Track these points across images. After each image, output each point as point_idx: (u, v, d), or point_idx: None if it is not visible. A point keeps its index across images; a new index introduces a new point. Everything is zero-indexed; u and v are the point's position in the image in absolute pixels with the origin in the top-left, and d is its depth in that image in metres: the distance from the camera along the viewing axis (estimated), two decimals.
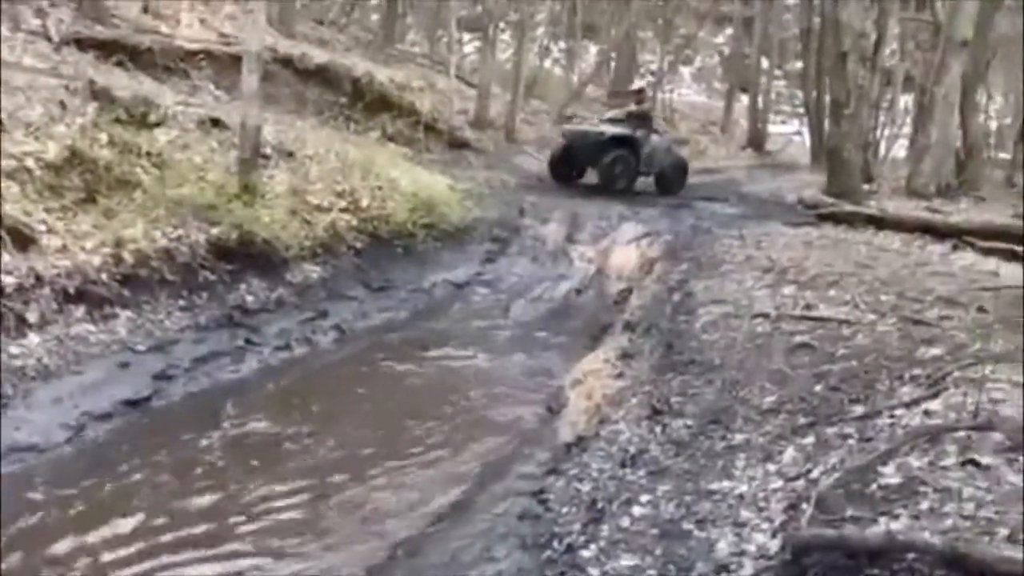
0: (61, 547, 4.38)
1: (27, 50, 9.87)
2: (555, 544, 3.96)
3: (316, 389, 6.84)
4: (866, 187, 15.69)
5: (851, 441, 4.32)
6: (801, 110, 27.58)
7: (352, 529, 4.69)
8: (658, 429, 5.11)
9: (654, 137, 14.84)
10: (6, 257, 6.33)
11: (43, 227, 6.82)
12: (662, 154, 14.99)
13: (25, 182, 7.14)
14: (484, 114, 17.43)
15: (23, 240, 6.54)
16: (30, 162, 7.31)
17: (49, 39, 10.52)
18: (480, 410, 6.58)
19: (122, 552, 4.37)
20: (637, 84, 17.81)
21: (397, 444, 5.86)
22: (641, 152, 14.52)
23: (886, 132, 23.72)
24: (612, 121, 14.77)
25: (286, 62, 13.84)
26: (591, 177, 14.94)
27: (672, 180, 15.25)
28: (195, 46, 12.65)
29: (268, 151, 9.66)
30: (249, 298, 7.77)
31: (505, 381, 7.26)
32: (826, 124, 17.94)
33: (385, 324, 8.58)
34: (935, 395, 4.71)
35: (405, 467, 5.50)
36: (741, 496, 4.03)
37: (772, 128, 28.31)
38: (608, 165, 14.14)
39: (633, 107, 15.00)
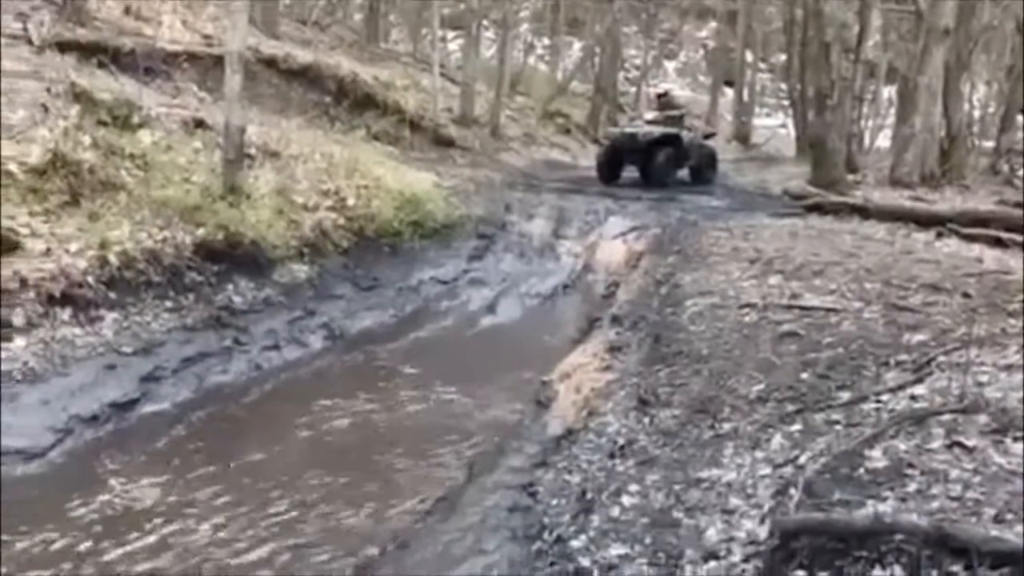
0: None
1: (8, 54, 9.80)
2: (545, 535, 3.96)
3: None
4: (851, 177, 15.75)
5: (838, 427, 4.34)
6: (786, 103, 27.67)
7: None
8: (646, 420, 5.11)
9: (687, 133, 15.88)
10: None
11: (27, 230, 6.81)
12: (697, 148, 16.14)
13: (8, 186, 7.12)
14: (469, 111, 17.43)
15: (7, 244, 6.51)
16: (12, 166, 7.30)
17: (30, 42, 10.46)
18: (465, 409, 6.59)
19: None
20: (662, 87, 19.09)
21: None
22: (683, 148, 15.58)
23: (870, 123, 23.82)
24: (652, 123, 15.81)
25: (270, 62, 13.82)
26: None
27: (706, 170, 16.45)
28: (177, 48, 12.60)
29: (253, 151, 9.63)
30: (236, 299, 7.75)
31: (490, 378, 7.27)
32: (810, 116, 18.00)
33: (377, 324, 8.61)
34: (921, 380, 4.75)
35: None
36: (729, 484, 4.05)
37: (757, 121, 28.39)
38: (661, 162, 15.22)
39: (673, 111, 16.05)
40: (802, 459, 4.01)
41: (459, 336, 8.91)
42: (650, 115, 16.44)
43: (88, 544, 4.49)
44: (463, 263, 10.61)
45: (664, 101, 16.57)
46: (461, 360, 8.50)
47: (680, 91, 32.71)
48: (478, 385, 7.51)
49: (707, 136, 17.68)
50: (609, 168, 15.65)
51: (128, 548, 4.47)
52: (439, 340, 8.75)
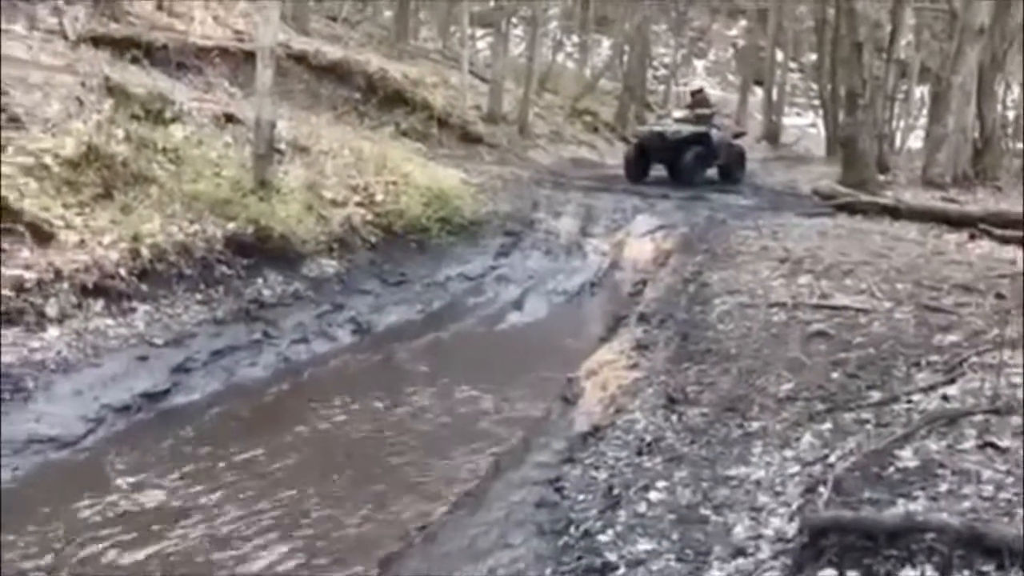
0: None
1: (44, 48, 9.96)
2: (572, 530, 3.96)
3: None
4: (881, 177, 15.61)
5: (868, 426, 4.30)
6: (816, 102, 27.44)
7: None
8: (674, 418, 5.09)
9: (716, 132, 15.57)
10: (25, 252, 6.40)
11: (61, 223, 6.90)
12: (726, 147, 15.89)
13: (43, 178, 7.21)
14: (497, 109, 17.44)
15: (42, 236, 6.61)
16: (48, 159, 7.39)
17: (66, 37, 10.60)
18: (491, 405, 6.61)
19: None
20: (696, 84, 19.01)
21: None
22: (712, 147, 15.33)
23: (901, 123, 23.57)
24: (682, 121, 15.58)
25: (300, 58, 13.91)
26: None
27: (735, 170, 16.27)
28: (209, 43, 12.72)
29: (283, 147, 9.70)
30: (266, 292, 7.81)
31: (516, 374, 7.29)
32: (841, 116, 17.84)
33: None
34: (952, 380, 4.69)
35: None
36: (758, 481, 4.02)
37: (787, 120, 28.18)
38: (690, 161, 14.96)
39: (704, 110, 15.75)
40: (832, 458, 3.98)
41: (486, 332, 8.93)
42: (679, 113, 16.29)
43: (116, 529, 4.55)
44: (490, 260, 10.63)
45: (698, 99, 16.35)
46: (487, 356, 8.52)
47: (711, 90, 32.68)
48: (504, 381, 7.53)
49: (736, 135, 17.51)
50: (637, 167, 15.48)
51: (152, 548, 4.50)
52: (466, 336, 8.78)
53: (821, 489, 3.57)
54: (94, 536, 4.49)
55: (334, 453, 5.70)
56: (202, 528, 4.63)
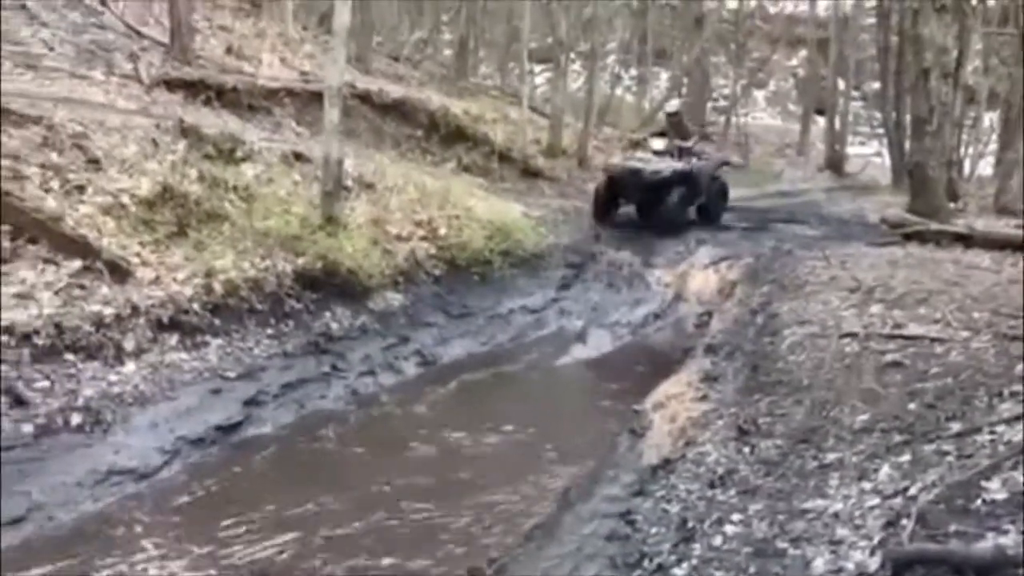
0: None
1: (121, 92, 10.31)
2: (645, 563, 3.92)
3: None
4: (951, 205, 15.26)
5: (950, 458, 4.18)
6: (880, 130, 27.01)
7: None
8: (746, 450, 5.02)
9: (698, 163, 13.39)
10: (104, 289, 6.60)
11: (138, 260, 7.10)
12: (708, 181, 13.67)
13: (120, 217, 7.46)
14: (557, 143, 17.50)
15: (120, 272, 6.80)
16: (125, 198, 7.64)
17: (141, 81, 10.96)
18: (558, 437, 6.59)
19: None
20: (672, 105, 15.01)
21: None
22: (696, 185, 13.22)
23: (970, 149, 23.05)
24: (662, 154, 13.15)
25: (364, 97, 14.14)
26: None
27: (716, 207, 14.01)
28: (276, 84, 13.01)
29: (349, 183, 9.87)
30: (334, 325, 7.92)
31: (582, 407, 7.26)
32: (907, 144, 17.53)
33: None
34: None
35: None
36: (836, 514, 3.93)
37: (850, 150, 27.76)
38: (674, 205, 12.79)
39: (684, 142, 13.43)
40: (913, 490, 3.88)
41: (549, 365, 8.92)
42: (657, 144, 13.52)
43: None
44: (552, 292, 10.64)
45: (675, 123, 13.93)
46: (552, 389, 8.52)
47: (771, 120, 32.40)
48: (570, 413, 7.54)
49: (720, 165, 14.88)
50: (606, 205, 13.00)
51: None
52: (530, 368, 8.78)
53: (904, 522, 3.48)
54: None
55: (404, 486, 5.72)
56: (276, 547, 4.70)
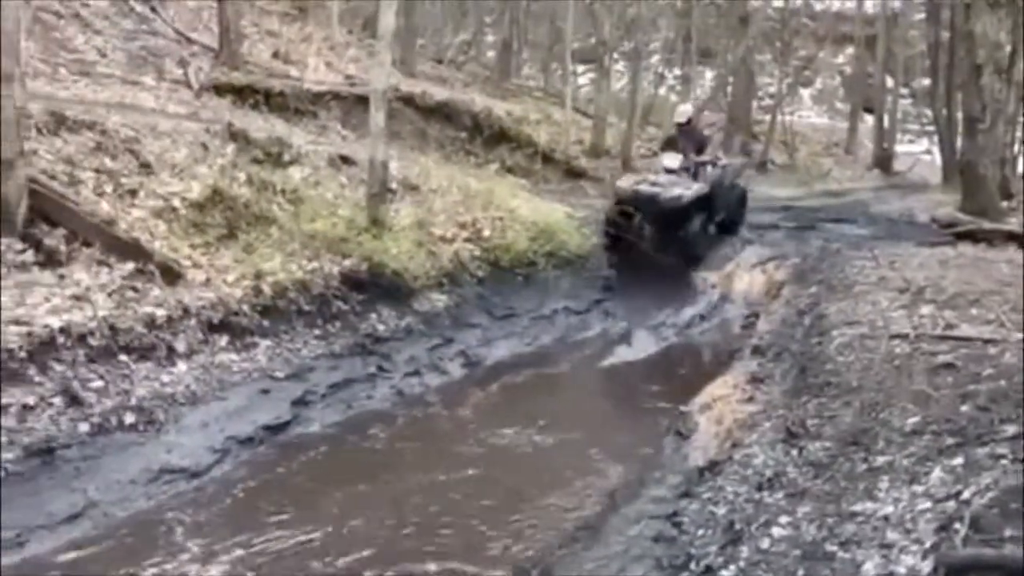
0: None
1: (171, 98, 10.51)
2: (692, 565, 3.90)
3: None
4: (1004, 204, 14.95)
5: (1004, 461, 4.10)
6: (930, 128, 26.57)
7: None
8: (795, 452, 4.97)
9: (712, 172, 11.79)
10: (156, 291, 6.73)
11: (189, 262, 7.23)
12: (727, 193, 12.25)
13: (172, 220, 7.60)
14: (600, 143, 17.48)
15: (171, 275, 6.93)
16: (176, 202, 7.79)
17: (190, 86, 11.17)
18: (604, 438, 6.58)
19: None
20: (682, 113, 12.46)
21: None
22: (715, 205, 11.77)
23: None
24: (676, 173, 11.27)
25: (408, 100, 14.26)
26: None
27: (736, 220, 12.76)
28: (322, 88, 13.17)
29: (394, 185, 9.95)
30: (380, 326, 7.99)
31: (627, 408, 7.24)
32: (959, 141, 17.22)
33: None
34: None
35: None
36: (886, 517, 3.88)
37: (899, 148, 27.33)
38: (695, 232, 11.27)
39: (701, 156, 11.68)
40: (966, 494, 3.81)
41: (594, 366, 8.90)
42: (670, 161, 11.39)
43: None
44: (596, 293, 10.60)
45: (686, 131, 11.92)
46: (597, 390, 8.52)
47: (817, 118, 31.97)
48: (615, 415, 7.52)
49: (739, 171, 13.49)
50: (619, 238, 11.23)
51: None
52: (574, 370, 8.78)
53: (957, 526, 3.42)
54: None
55: (450, 486, 5.76)
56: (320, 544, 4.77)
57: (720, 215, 12.04)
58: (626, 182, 11.68)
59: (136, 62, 11.43)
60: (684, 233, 11.08)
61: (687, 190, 10.98)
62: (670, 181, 11.07)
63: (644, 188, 11.13)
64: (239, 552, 4.77)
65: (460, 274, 9.37)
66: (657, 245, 11.02)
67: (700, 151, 11.68)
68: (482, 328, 8.99)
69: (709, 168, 11.63)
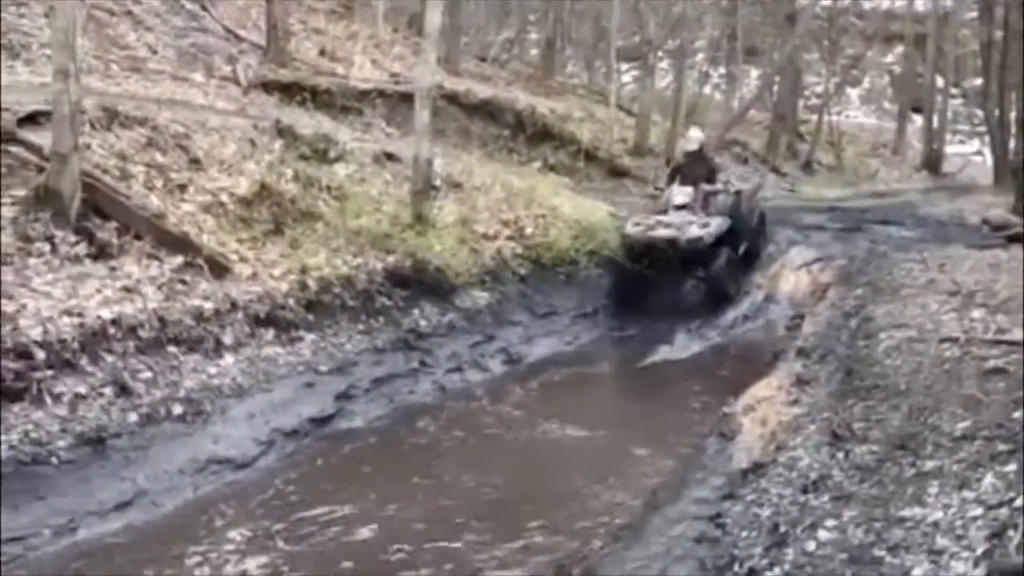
0: None
1: (220, 94, 10.67)
2: (736, 567, 3.87)
3: None
4: None
5: None
6: (981, 129, 26.09)
7: None
8: (840, 455, 4.90)
9: (726, 198, 10.97)
10: (204, 284, 6.83)
11: (236, 256, 7.33)
12: (747, 220, 11.27)
13: (220, 215, 7.72)
14: (644, 142, 17.42)
15: (219, 268, 7.03)
16: (224, 197, 7.91)
17: (239, 83, 11.32)
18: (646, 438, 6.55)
19: None
20: (694, 140, 11.42)
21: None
22: (738, 238, 10.87)
23: None
24: (687, 209, 10.37)
25: (452, 98, 14.32)
26: None
27: (759, 244, 11.74)
28: (368, 86, 13.29)
29: (438, 183, 10.00)
30: (422, 322, 8.05)
31: (669, 408, 7.21)
32: (1011, 142, 16.88)
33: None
34: None
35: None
36: (936, 523, 3.81)
37: (949, 149, 26.87)
38: (721, 271, 10.27)
39: (713, 185, 10.82)
40: (1019, 501, 3.73)
41: (635, 365, 8.86)
42: (679, 197, 10.47)
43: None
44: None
45: (696, 160, 10.98)
46: (639, 389, 8.48)
47: (864, 118, 31.53)
48: (657, 414, 7.47)
49: (755, 192, 12.55)
50: (633, 290, 10.17)
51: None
52: (616, 369, 8.76)
53: (1010, 533, 3.35)
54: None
55: (492, 481, 5.77)
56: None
57: (745, 244, 11.08)
58: (637, 227, 10.35)
59: (186, 59, 11.62)
60: (708, 272, 10.27)
61: (706, 229, 10.06)
62: (683, 220, 10.16)
63: (662, 233, 10.04)
64: (283, 545, 4.82)
65: (502, 271, 9.40)
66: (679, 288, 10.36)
67: (710, 179, 10.91)
68: (523, 326, 9.01)
69: (720, 197, 10.85)
